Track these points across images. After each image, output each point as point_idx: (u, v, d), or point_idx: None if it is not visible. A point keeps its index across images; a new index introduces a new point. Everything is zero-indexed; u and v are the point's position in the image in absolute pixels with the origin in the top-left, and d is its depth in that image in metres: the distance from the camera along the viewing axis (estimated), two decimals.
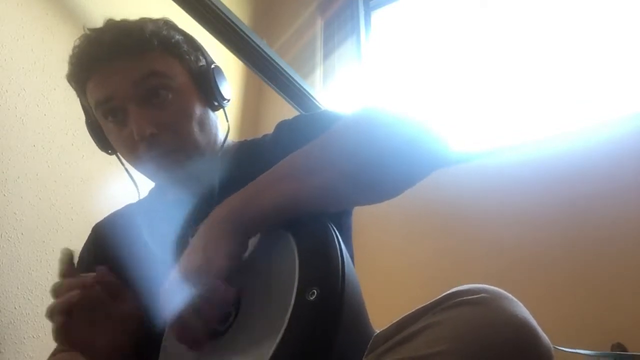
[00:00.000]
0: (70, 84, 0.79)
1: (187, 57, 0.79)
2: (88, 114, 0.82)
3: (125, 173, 0.82)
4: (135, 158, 0.76)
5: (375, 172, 0.57)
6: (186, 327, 0.54)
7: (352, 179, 0.57)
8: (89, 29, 0.77)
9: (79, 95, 0.80)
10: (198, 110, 0.78)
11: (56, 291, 0.61)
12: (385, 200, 0.61)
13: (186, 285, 0.53)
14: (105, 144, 0.81)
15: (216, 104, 0.82)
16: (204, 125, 0.79)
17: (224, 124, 0.85)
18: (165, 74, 0.74)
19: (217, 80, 0.80)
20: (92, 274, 0.62)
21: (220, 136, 0.84)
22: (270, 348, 0.47)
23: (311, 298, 0.46)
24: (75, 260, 0.63)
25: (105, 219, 0.93)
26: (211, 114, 0.82)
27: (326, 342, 0.45)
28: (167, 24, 0.79)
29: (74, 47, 0.76)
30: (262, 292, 0.56)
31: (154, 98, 0.73)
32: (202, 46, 0.84)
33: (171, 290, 0.55)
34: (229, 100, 0.84)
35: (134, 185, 0.84)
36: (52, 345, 0.87)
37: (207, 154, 0.79)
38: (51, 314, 0.59)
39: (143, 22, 0.76)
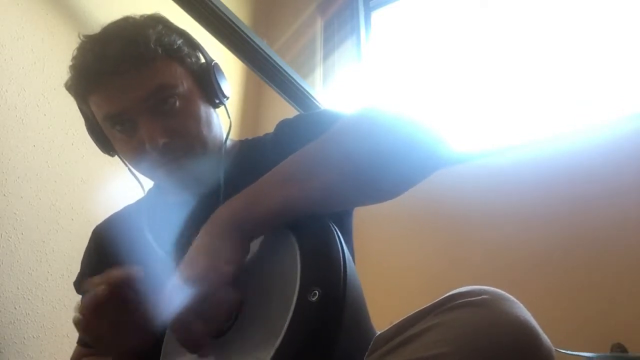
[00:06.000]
0: (70, 93, 0.79)
1: (189, 59, 0.79)
2: (88, 119, 0.81)
3: (128, 173, 0.82)
4: (144, 166, 0.77)
5: (376, 173, 0.57)
6: (189, 330, 0.53)
7: (352, 180, 0.57)
8: (87, 37, 0.75)
9: (78, 103, 0.80)
10: (204, 111, 0.79)
11: (85, 286, 0.60)
12: (385, 200, 0.61)
13: (190, 289, 0.52)
14: (107, 147, 0.82)
15: (217, 101, 0.82)
16: (211, 124, 0.80)
17: (226, 120, 0.86)
18: (172, 83, 0.74)
19: (217, 78, 0.81)
20: (120, 272, 0.60)
21: (223, 133, 0.85)
22: (272, 348, 0.47)
23: (313, 299, 0.46)
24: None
25: (104, 221, 0.93)
26: (214, 111, 0.83)
27: (328, 343, 0.45)
28: (166, 26, 0.79)
29: (75, 58, 0.75)
30: (264, 292, 0.56)
31: (162, 106, 0.74)
32: (199, 43, 0.84)
33: (174, 293, 0.54)
34: (228, 98, 0.84)
35: (139, 184, 0.84)
36: (52, 344, 0.87)
37: (213, 152, 0.80)
38: (80, 308, 0.59)
39: (144, 29, 0.74)
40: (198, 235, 0.57)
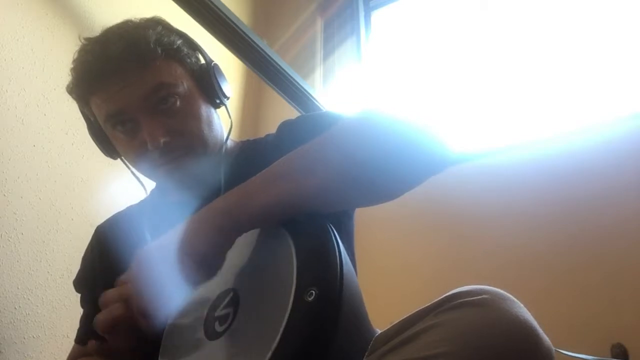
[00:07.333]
0: (71, 95, 0.79)
1: (188, 60, 0.80)
2: (90, 122, 0.82)
3: (128, 174, 0.83)
4: (145, 166, 0.78)
5: (374, 173, 0.56)
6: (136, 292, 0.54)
7: (350, 180, 0.56)
8: (88, 39, 0.76)
9: (80, 106, 0.80)
10: (204, 111, 0.79)
11: (100, 301, 0.59)
12: (384, 202, 0.61)
13: (164, 255, 0.54)
14: (110, 150, 0.82)
15: (218, 101, 0.83)
16: (212, 124, 0.80)
17: (227, 121, 0.86)
18: (172, 83, 0.75)
19: (217, 78, 0.82)
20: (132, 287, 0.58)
21: (224, 134, 0.85)
22: (269, 349, 0.46)
23: (309, 299, 0.46)
24: None
25: (107, 220, 0.94)
26: (214, 112, 0.84)
27: (325, 343, 0.45)
28: (165, 27, 0.79)
29: (75, 60, 0.76)
30: (260, 292, 0.55)
31: (162, 106, 0.75)
32: (198, 44, 0.84)
33: (150, 254, 0.56)
34: (229, 98, 0.85)
35: (141, 185, 0.85)
36: (52, 344, 0.87)
37: (213, 153, 0.80)
38: (98, 324, 0.57)
39: (144, 30, 0.75)
40: (189, 218, 0.57)
